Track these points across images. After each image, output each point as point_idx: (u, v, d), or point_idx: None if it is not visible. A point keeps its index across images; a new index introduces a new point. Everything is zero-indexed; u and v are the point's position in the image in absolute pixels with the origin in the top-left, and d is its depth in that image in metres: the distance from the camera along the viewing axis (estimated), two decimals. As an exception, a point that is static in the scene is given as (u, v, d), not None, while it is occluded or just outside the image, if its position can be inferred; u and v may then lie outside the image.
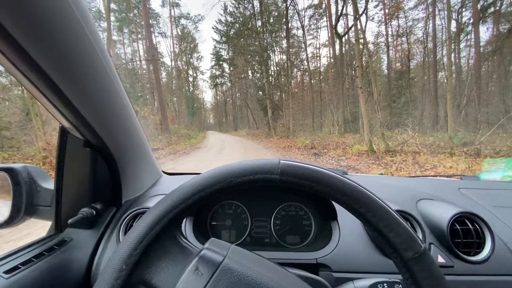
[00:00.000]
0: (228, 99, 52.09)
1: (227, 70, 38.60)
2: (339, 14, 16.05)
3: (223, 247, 0.39)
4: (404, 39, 21.02)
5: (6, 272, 0.53)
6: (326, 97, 21.96)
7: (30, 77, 0.49)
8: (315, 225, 0.83)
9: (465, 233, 0.70)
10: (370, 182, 1.04)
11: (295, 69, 24.91)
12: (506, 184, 1.07)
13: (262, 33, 21.59)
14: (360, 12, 10.63)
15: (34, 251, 0.62)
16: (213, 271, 0.34)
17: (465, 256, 0.67)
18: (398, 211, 0.73)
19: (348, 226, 0.77)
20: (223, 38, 32.55)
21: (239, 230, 0.85)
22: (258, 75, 28.01)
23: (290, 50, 22.68)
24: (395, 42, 22.25)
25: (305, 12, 23.60)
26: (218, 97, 53.87)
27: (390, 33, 22.27)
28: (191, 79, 40.23)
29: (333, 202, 0.69)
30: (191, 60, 38.84)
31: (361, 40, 10.47)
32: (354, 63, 18.28)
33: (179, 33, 33.86)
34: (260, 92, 26.22)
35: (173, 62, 34.54)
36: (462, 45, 15.95)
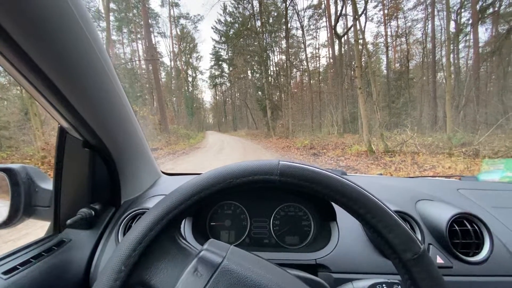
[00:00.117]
0: (227, 99, 52.12)
1: (226, 70, 38.62)
2: (338, 14, 16.08)
3: (222, 248, 0.39)
4: (403, 39, 21.10)
5: (5, 272, 0.53)
6: (325, 98, 21.98)
7: (29, 77, 0.49)
8: (314, 226, 0.83)
9: (464, 233, 0.70)
10: (369, 182, 1.05)
11: (295, 69, 24.94)
12: (505, 184, 1.07)
13: (262, 33, 21.60)
14: (360, 13, 10.65)
15: (32, 251, 0.62)
16: (212, 272, 0.34)
17: (464, 257, 0.68)
18: (397, 212, 0.74)
19: (347, 227, 0.77)
20: (222, 38, 32.55)
21: (238, 230, 0.85)
22: (258, 75, 28.06)
23: (290, 50, 22.73)
24: (394, 42, 22.31)
25: (304, 13, 23.64)
26: (217, 97, 53.91)
27: (389, 33, 22.33)
28: (190, 79, 40.23)
29: (332, 203, 0.69)
30: (190, 60, 38.84)
31: (360, 41, 10.49)
32: (353, 63, 18.32)
33: (179, 33, 33.83)
34: (260, 92, 26.25)
35: (172, 62, 34.54)
36: (461, 45, 16.02)
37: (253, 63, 27.15)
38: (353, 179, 0.38)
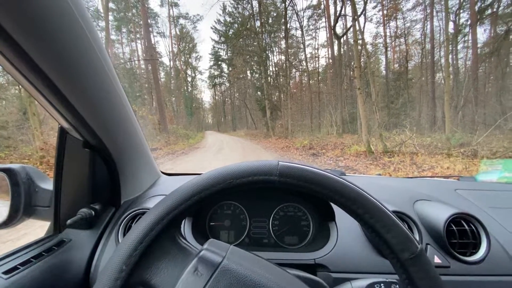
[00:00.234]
0: (226, 99, 52.04)
1: (225, 70, 38.57)
2: (337, 15, 16.10)
3: (222, 247, 0.39)
4: (402, 40, 21.11)
5: (5, 272, 0.53)
6: (325, 98, 21.99)
7: (29, 77, 0.49)
8: (313, 226, 0.84)
9: (461, 233, 0.71)
10: (368, 183, 1.05)
11: (294, 70, 24.93)
12: (503, 185, 1.08)
13: (261, 34, 21.59)
14: (359, 13, 10.67)
15: (33, 251, 0.63)
16: (212, 271, 0.34)
17: (461, 257, 0.68)
18: (395, 212, 0.74)
19: (346, 226, 0.77)
20: (221, 38, 32.53)
21: (238, 230, 0.85)
22: (257, 75, 28.07)
23: (289, 50, 22.73)
24: (393, 43, 22.31)
25: (303, 13, 23.59)
26: (216, 97, 53.83)
27: (388, 34, 22.35)
28: (189, 79, 40.18)
29: (331, 203, 0.70)
30: (189, 60, 38.78)
31: (360, 41, 10.50)
32: (352, 64, 18.37)
33: (178, 33, 33.77)
34: (259, 92, 26.26)
35: (171, 62, 34.47)
36: (459, 46, 16.04)
37: (252, 63, 27.15)
38: (352, 180, 0.39)
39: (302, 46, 23.51)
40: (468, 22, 14.31)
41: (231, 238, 0.84)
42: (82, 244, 0.73)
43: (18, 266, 0.56)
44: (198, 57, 41.38)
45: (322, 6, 22.80)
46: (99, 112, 0.64)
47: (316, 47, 27.61)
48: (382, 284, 0.44)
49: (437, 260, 0.68)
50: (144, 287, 0.36)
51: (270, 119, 20.31)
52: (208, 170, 0.40)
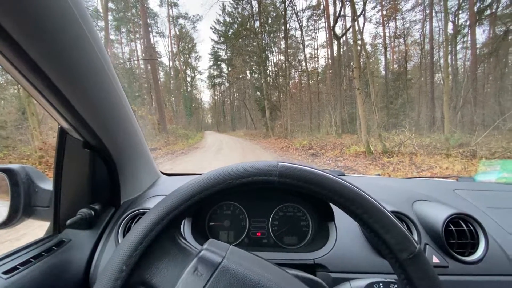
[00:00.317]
0: (226, 99, 52.02)
1: (225, 70, 38.56)
2: (337, 15, 16.10)
3: (222, 248, 0.39)
4: (401, 40, 21.14)
5: (5, 272, 0.53)
6: (324, 98, 22.01)
7: (29, 77, 0.49)
8: (313, 226, 0.84)
9: (459, 234, 0.71)
10: (367, 183, 1.05)
11: (293, 70, 24.95)
12: (501, 185, 1.08)
13: (260, 34, 21.60)
14: (358, 14, 10.68)
15: (32, 251, 0.63)
16: (212, 271, 0.34)
17: (460, 257, 0.69)
18: (394, 212, 0.74)
19: (345, 227, 0.77)
20: (221, 38, 32.55)
21: (237, 230, 0.85)
22: (256, 75, 28.07)
23: (288, 50, 22.75)
24: (392, 43, 22.35)
25: (303, 13, 23.59)
26: (216, 97, 53.78)
27: (387, 34, 22.41)
28: (189, 79, 40.12)
29: (331, 204, 0.70)
30: (189, 60, 38.72)
31: (359, 42, 10.51)
32: (351, 64, 18.33)
33: (177, 33, 33.74)
34: (258, 93, 26.27)
35: (171, 62, 34.40)
36: (458, 47, 16.09)
37: (252, 63, 27.15)
38: (351, 180, 0.39)
39: (301, 47, 23.55)
40: (467, 23, 14.39)
41: (231, 238, 0.85)
42: (82, 244, 0.73)
43: (18, 266, 0.56)
44: (198, 57, 41.37)
45: (322, 7, 22.86)
46: (99, 113, 0.64)
47: (316, 47, 27.77)
48: (381, 284, 0.45)
49: (435, 260, 0.69)
50: (144, 287, 0.36)
51: (269, 119, 20.31)
52: (208, 170, 0.40)
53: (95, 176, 0.76)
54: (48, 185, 0.76)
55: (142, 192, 0.95)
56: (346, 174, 1.21)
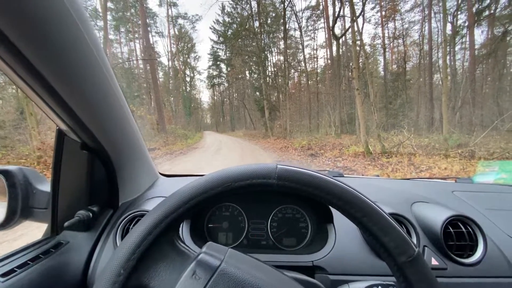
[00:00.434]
0: (225, 99, 51.98)
1: (224, 70, 38.56)
2: (336, 16, 16.12)
3: (220, 251, 0.39)
4: (400, 41, 21.19)
5: (2, 275, 0.53)
6: (323, 98, 22.04)
7: (26, 79, 0.48)
8: (312, 228, 0.84)
9: (458, 235, 0.71)
10: (366, 184, 1.06)
11: (293, 70, 24.97)
12: (499, 186, 1.08)
13: (260, 34, 21.60)
14: (357, 14, 10.70)
15: (30, 254, 0.62)
16: (210, 275, 0.34)
17: (458, 259, 0.69)
18: (393, 214, 0.74)
19: (344, 228, 0.77)
20: (220, 39, 32.56)
21: (236, 232, 0.85)
22: (256, 75, 28.09)
23: (288, 51, 22.74)
24: (391, 44, 22.39)
25: (302, 13, 23.63)
26: (215, 97, 53.68)
27: (386, 35, 22.46)
28: (188, 79, 40.09)
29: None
30: (188, 60, 38.68)
31: (358, 42, 10.52)
32: (351, 64, 18.36)
33: (177, 32, 33.72)
34: (258, 93, 26.27)
35: (170, 62, 34.34)
36: (457, 47, 16.19)
37: (251, 63, 27.17)
38: (350, 181, 0.39)
39: (300, 47, 23.61)
40: (466, 24, 14.44)
41: (229, 240, 0.84)
42: (80, 246, 0.73)
43: (15, 269, 0.56)
44: (197, 57, 41.36)
45: (321, 7, 22.90)
46: (97, 114, 0.64)
47: (315, 47, 27.73)
48: (379, 287, 0.45)
49: (434, 262, 0.69)
50: None
51: (268, 120, 20.31)
52: (207, 170, 0.40)
53: (93, 177, 0.76)
54: (46, 186, 0.76)
55: (140, 194, 0.94)
56: (345, 175, 1.21)
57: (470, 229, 0.72)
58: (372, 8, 21.21)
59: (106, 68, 0.60)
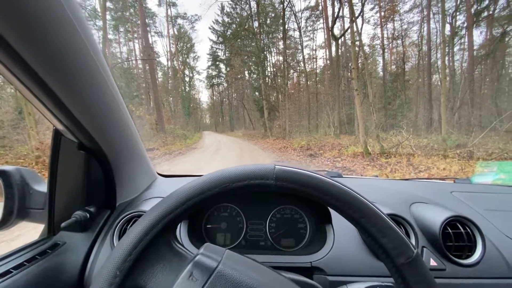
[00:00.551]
0: (224, 99, 51.98)
1: (223, 70, 38.63)
2: (335, 16, 16.16)
3: (218, 252, 0.39)
4: (399, 42, 21.25)
5: None
6: (322, 99, 22.07)
7: (23, 79, 0.48)
8: (310, 228, 0.84)
9: (457, 236, 0.71)
10: (364, 185, 1.05)
11: (292, 70, 25.01)
12: (498, 187, 1.09)
13: (259, 34, 21.59)
14: (356, 15, 10.73)
15: (26, 254, 0.62)
16: (208, 276, 0.34)
17: (457, 259, 0.69)
18: (391, 215, 0.74)
19: (342, 229, 0.77)
20: (219, 39, 32.61)
21: (234, 233, 0.85)
22: (255, 76, 28.09)
23: (287, 51, 22.77)
24: (390, 44, 22.47)
25: (301, 14, 23.66)
26: (214, 98, 53.64)
27: (385, 35, 22.51)
28: (187, 79, 39.99)
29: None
30: (187, 60, 38.60)
31: (357, 42, 10.55)
32: (350, 65, 18.42)
33: (176, 32, 33.66)
34: (257, 93, 26.29)
35: (169, 62, 34.28)
36: (456, 48, 16.22)
37: (250, 63, 27.18)
38: (349, 182, 0.39)
39: (300, 47, 23.68)
40: (465, 25, 14.49)
41: (228, 241, 0.84)
42: (77, 247, 0.73)
43: (11, 270, 0.55)
44: (196, 57, 41.16)
45: (320, 8, 22.93)
46: (94, 114, 0.63)
47: (314, 48, 27.89)
48: (378, 288, 0.44)
49: (433, 263, 0.69)
50: None
51: (268, 120, 20.31)
52: (206, 170, 0.40)
53: (90, 178, 0.75)
54: (43, 187, 0.75)
55: (138, 194, 0.94)
56: (344, 175, 1.21)
57: (469, 230, 0.72)
58: (371, 9, 21.32)
59: (103, 68, 0.59)
